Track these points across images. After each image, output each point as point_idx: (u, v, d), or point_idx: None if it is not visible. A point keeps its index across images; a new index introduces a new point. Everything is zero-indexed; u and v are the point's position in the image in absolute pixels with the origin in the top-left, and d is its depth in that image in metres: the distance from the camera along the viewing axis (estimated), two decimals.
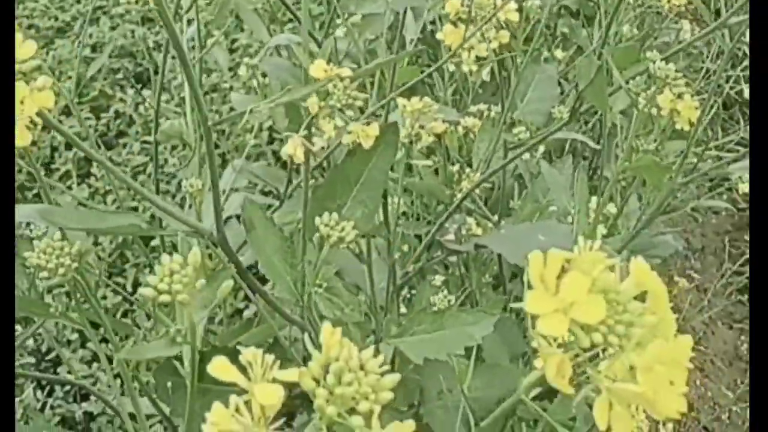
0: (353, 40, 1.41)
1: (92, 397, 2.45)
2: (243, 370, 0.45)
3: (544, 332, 0.42)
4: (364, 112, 1.09)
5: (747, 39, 1.32)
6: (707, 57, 2.41)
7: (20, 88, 0.56)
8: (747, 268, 3.09)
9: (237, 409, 0.41)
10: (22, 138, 0.56)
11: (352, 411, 0.40)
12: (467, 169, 1.45)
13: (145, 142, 3.12)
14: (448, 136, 1.46)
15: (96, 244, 2.79)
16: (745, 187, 1.77)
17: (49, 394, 2.47)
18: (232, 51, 3.24)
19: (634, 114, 1.12)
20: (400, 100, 1.23)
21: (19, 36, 0.57)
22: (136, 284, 2.55)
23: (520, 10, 1.24)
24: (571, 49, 2.03)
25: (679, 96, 1.43)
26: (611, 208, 1.68)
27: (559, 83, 1.72)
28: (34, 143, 0.62)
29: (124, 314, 2.44)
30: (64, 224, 0.66)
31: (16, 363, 2.52)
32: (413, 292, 1.58)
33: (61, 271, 0.62)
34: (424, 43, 2.06)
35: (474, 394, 1.25)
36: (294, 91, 0.61)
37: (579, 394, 0.43)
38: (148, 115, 3.42)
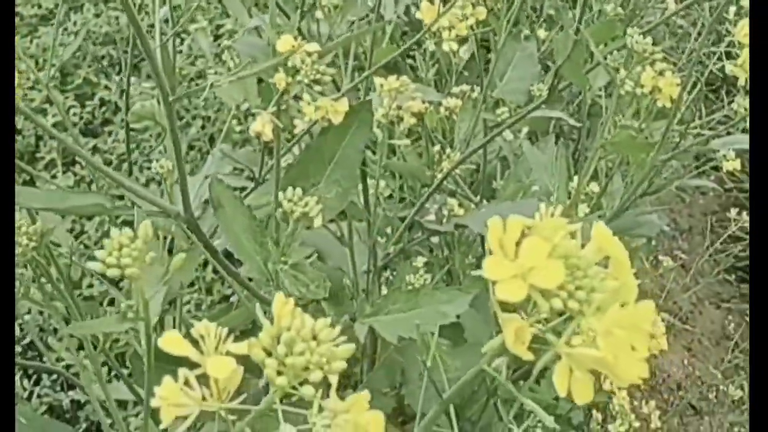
0: (334, 23, 1.39)
1: None
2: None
3: (502, 298, 0.41)
4: (341, 90, 1.08)
5: (729, 15, 1.32)
6: (694, 38, 2.41)
7: None
8: (733, 248, 3.09)
9: (187, 383, 0.40)
10: None
11: (306, 382, 0.39)
12: (447, 150, 1.44)
13: (131, 129, 3.09)
14: (429, 116, 1.45)
15: (82, 233, 2.78)
16: (729, 165, 1.76)
17: (36, 383, 2.46)
18: (217, 37, 3.22)
19: (614, 91, 1.11)
20: (377, 80, 1.22)
21: None
22: (182, 286, 2.54)
23: None
24: (555, 29, 2.02)
25: (661, 73, 1.43)
26: (594, 188, 1.67)
27: (543, 62, 1.71)
28: (18, 132, 0.60)
29: (111, 302, 2.43)
30: (26, 204, 0.65)
31: None
32: (396, 274, 1.57)
33: (18, 250, 0.61)
34: (410, 26, 2.05)
35: (455, 374, 1.25)
36: (255, 64, 0.59)
37: (540, 360, 0.42)
38: (134, 102, 3.40)
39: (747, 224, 1.78)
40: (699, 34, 2.27)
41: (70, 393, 2.41)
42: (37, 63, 3.47)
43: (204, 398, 0.41)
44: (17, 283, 0.68)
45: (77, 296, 0.86)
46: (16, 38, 0.59)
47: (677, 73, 1.35)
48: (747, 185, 3.22)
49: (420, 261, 1.50)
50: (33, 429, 1.09)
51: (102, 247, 0.48)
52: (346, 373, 1.38)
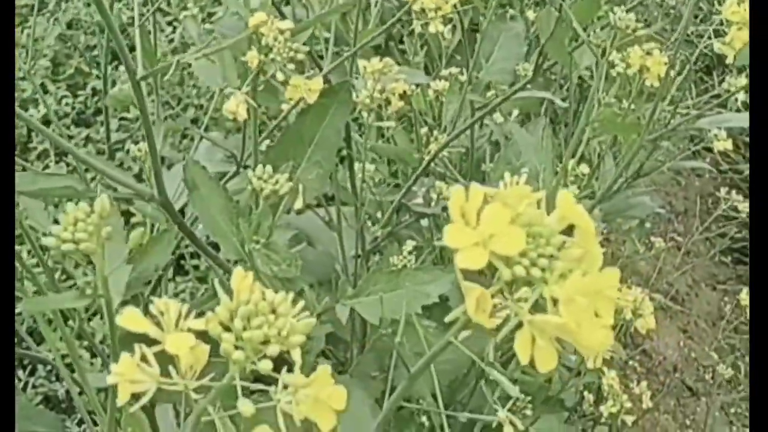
0: (324, 7, 1.38)
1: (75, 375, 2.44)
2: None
3: (463, 265, 0.40)
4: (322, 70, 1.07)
5: None
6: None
7: None
8: (729, 229, 3.09)
9: (145, 360, 0.39)
10: None
11: (264, 356, 0.38)
12: (435, 132, 1.44)
13: (123, 119, 3.09)
14: (416, 98, 1.44)
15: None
16: (720, 145, 1.76)
17: (32, 373, 2.46)
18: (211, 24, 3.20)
19: (599, 70, 1.10)
20: (361, 62, 1.21)
21: None
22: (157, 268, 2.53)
23: None
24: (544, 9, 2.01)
25: (648, 53, 1.42)
26: (584, 169, 1.67)
27: (532, 43, 1.70)
28: None
29: None
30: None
31: None
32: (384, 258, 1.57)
33: None
34: (401, 10, 2.03)
35: (444, 357, 1.25)
36: (221, 42, 0.59)
37: (503, 328, 0.42)
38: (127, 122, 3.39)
39: (740, 204, 1.78)
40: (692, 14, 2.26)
41: (65, 383, 2.41)
42: (27, 53, 3.46)
43: (164, 375, 0.40)
44: None
45: (72, 286, 0.85)
46: None
47: (668, 53, 1.34)
48: (742, 167, 3.21)
49: (409, 245, 1.49)
50: (21, 418, 1.08)
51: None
52: (339, 359, 1.37)
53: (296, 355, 0.40)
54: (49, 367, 2.46)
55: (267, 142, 1.10)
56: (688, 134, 2.98)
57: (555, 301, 0.41)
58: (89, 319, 1.92)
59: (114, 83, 3.23)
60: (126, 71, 0.61)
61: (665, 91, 1.67)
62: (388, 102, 1.45)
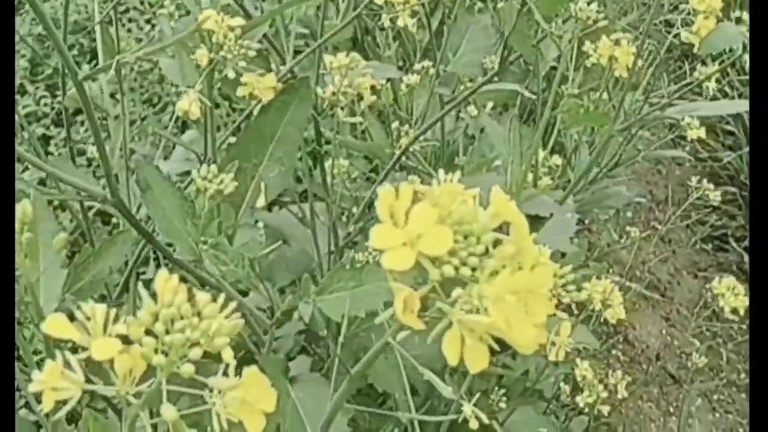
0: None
1: None
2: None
3: (389, 266, 0.40)
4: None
5: None
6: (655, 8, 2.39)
7: None
8: (710, 218, 3.10)
9: (69, 366, 0.39)
10: None
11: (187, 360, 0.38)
12: (405, 126, 1.43)
13: (103, 118, 3.06)
14: (384, 93, 1.43)
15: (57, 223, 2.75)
16: (693, 133, 1.76)
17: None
18: None
19: (562, 60, 1.10)
20: (327, 57, 1.20)
21: None
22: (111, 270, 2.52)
23: None
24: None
25: (617, 42, 1.42)
26: (557, 160, 1.67)
27: (501, 35, 1.69)
28: None
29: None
30: None
31: None
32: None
33: None
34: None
35: (416, 351, 1.24)
36: (165, 39, 0.58)
37: (433, 330, 0.41)
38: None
39: (711, 193, 1.78)
40: (662, 5, 2.26)
41: None
42: None
43: (89, 382, 0.39)
44: None
45: None
46: None
47: (639, 43, 1.34)
48: (721, 154, 3.23)
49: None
50: None
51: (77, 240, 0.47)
52: (320, 356, 1.35)
53: (226, 356, 0.39)
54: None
55: (232, 139, 1.10)
56: (667, 123, 2.99)
57: (486, 300, 0.41)
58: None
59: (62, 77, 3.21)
60: (68, 71, 0.60)
61: (637, 80, 1.67)
62: (360, 97, 1.45)
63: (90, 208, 2.87)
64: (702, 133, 1.73)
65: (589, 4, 1.03)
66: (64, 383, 0.39)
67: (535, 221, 1.22)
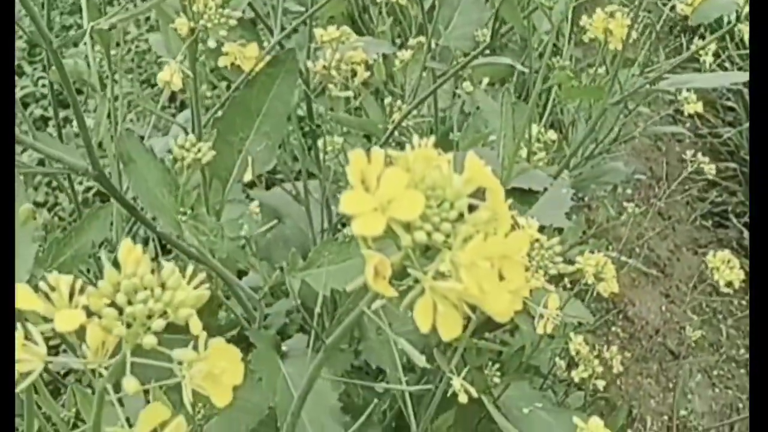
0: None
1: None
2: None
3: (359, 232, 0.39)
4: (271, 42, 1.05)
5: None
6: None
7: None
8: (710, 194, 3.09)
9: (30, 339, 0.38)
10: None
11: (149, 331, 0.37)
12: (398, 102, 1.42)
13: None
14: (377, 68, 1.42)
15: (55, 204, 2.75)
16: (691, 108, 1.74)
17: None
18: None
19: (551, 32, 1.08)
20: (318, 30, 1.19)
21: None
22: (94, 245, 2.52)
23: None
24: None
25: (611, 15, 1.40)
26: (552, 135, 1.65)
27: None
28: None
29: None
30: None
31: None
32: None
33: None
34: None
35: (409, 327, 1.24)
36: (138, 8, 0.57)
37: (406, 297, 0.40)
38: (103, 71, 3.36)
39: (706, 166, 1.76)
40: None
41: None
42: None
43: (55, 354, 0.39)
44: None
45: None
46: None
47: (634, 16, 1.32)
48: (720, 130, 3.20)
49: None
50: None
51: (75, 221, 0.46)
52: (317, 333, 1.34)
53: (194, 328, 0.39)
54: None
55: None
56: (667, 100, 2.97)
57: (458, 267, 0.40)
58: None
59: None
60: (42, 41, 0.59)
61: (634, 55, 1.65)
62: (354, 73, 1.43)
63: (89, 189, 2.86)
64: (699, 107, 1.72)
65: None
66: (25, 355, 0.38)
67: (530, 196, 1.21)
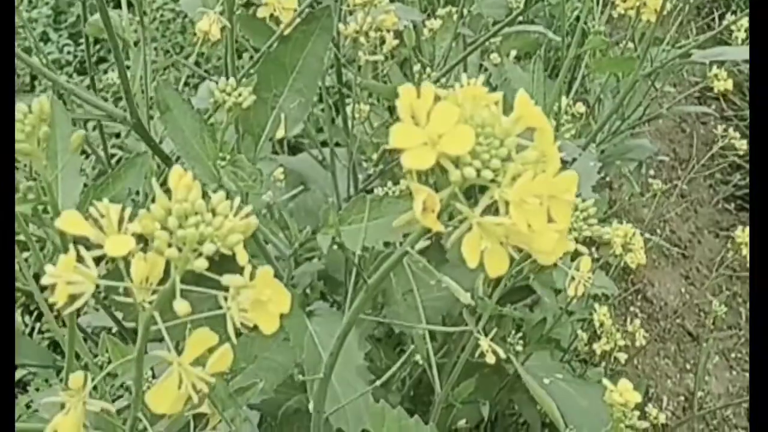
0: None
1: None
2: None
3: (409, 165, 0.39)
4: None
5: None
6: None
7: None
8: (733, 177, 3.06)
9: (83, 262, 0.38)
10: None
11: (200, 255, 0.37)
12: (428, 69, 1.41)
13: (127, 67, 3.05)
14: (407, 33, 1.41)
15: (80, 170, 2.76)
16: (720, 85, 1.72)
17: (38, 318, 2.48)
18: None
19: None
20: None
21: None
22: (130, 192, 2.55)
23: None
24: None
25: None
26: (580, 108, 1.64)
27: None
28: None
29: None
30: None
31: None
32: None
33: None
34: None
35: (434, 294, 1.24)
36: None
37: (453, 233, 0.40)
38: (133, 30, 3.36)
39: (737, 142, 1.75)
40: None
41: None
42: (30, 1, 3.42)
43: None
44: None
45: None
46: None
47: None
48: (746, 113, 3.17)
49: (404, 184, 1.48)
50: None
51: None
52: (337, 301, 1.35)
53: (240, 257, 0.39)
54: (55, 313, 2.48)
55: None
56: (693, 81, 2.94)
57: (507, 205, 0.40)
58: None
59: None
60: None
61: (664, 33, 1.63)
62: (383, 41, 1.43)
63: (112, 156, 2.87)
64: (729, 85, 1.70)
65: None
66: (77, 277, 0.38)
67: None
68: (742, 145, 1.71)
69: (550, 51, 2.16)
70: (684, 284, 2.79)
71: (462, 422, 1.42)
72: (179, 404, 0.39)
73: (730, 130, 1.75)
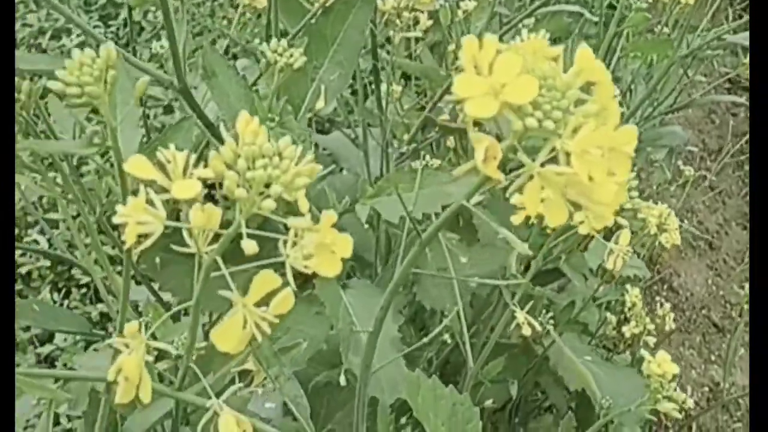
0: None
1: (110, 298, 2.50)
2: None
3: (472, 113, 0.39)
4: None
5: None
6: None
7: None
8: None
9: (151, 204, 0.39)
10: None
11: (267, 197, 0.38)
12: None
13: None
14: (443, 12, 1.42)
15: (106, 152, 2.79)
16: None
17: (66, 296, 2.51)
18: None
19: None
20: None
21: None
22: None
23: None
24: None
25: None
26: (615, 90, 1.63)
27: None
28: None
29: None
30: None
31: (33, 266, 2.56)
32: None
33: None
34: None
35: (467, 272, 1.24)
36: None
37: (513, 183, 0.41)
38: (157, 21, 3.38)
39: None
40: None
41: (99, 306, 2.46)
42: None
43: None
44: None
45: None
46: None
47: None
48: None
49: (435, 163, 1.48)
50: (45, 317, 1.10)
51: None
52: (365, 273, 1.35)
53: (302, 204, 0.39)
54: (83, 290, 2.51)
55: None
56: (723, 72, 2.92)
57: (567, 157, 0.40)
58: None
59: (146, 14, 3.22)
60: None
61: (696, 21, 1.62)
62: (417, 21, 1.43)
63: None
64: None
65: None
66: (146, 217, 0.39)
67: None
68: None
69: (580, 34, 2.16)
70: (710, 275, 2.78)
71: (489, 402, 1.43)
72: (242, 344, 0.40)
73: None
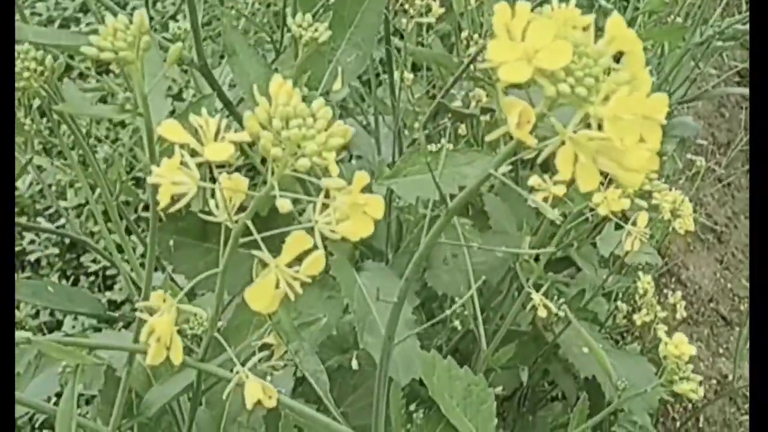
0: None
1: (116, 286, 2.51)
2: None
3: (505, 78, 0.39)
4: None
5: None
6: None
7: None
8: None
9: (184, 164, 0.40)
10: None
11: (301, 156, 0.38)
12: (475, 35, 1.41)
13: (164, 39, 3.09)
14: (456, 0, 1.42)
15: (116, 139, 2.80)
16: None
17: (74, 284, 2.52)
18: None
19: None
20: None
21: None
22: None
23: None
24: None
25: None
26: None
27: None
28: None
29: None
30: (34, 39, 0.64)
31: (42, 254, 2.57)
32: None
33: (26, 74, 0.59)
34: None
35: (477, 259, 1.25)
36: None
37: (545, 147, 0.41)
38: (166, 11, 3.39)
39: None
40: None
41: (107, 293, 2.47)
42: None
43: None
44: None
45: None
46: None
47: None
48: None
49: (449, 146, 1.48)
50: (60, 297, 1.11)
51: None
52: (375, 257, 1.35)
53: (333, 166, 0.40)
54: (91, 278, 2.52)
55: None
56: (732, 66, 2.91)
57: (599, 123, 0.41)
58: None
59: (155, 3, 3.23)
60: None
61: (714, 3, 1.62)
62: (429, 9, 1.43)
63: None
64: None
65: None
66: (181, 178, 0.39)
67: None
68: None
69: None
70: (719, 268, 2.78)
71: (499, 389, 1.43)
72: (275, 303, 0.40)
73: None
